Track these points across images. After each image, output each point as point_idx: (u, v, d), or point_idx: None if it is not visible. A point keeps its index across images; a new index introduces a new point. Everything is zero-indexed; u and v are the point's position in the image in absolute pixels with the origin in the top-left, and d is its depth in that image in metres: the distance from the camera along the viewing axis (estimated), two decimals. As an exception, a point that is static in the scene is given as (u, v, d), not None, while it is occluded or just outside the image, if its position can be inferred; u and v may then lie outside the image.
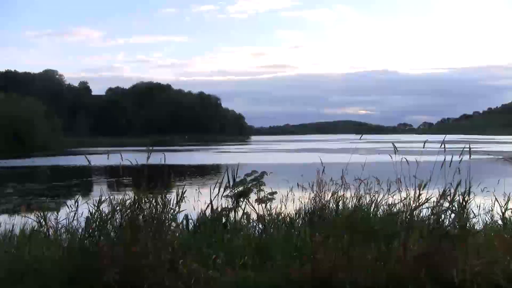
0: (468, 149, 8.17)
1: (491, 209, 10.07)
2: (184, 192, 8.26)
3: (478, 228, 9.22)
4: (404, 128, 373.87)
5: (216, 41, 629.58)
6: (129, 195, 7.84)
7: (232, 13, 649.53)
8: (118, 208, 7.70)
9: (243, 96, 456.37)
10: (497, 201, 9.91)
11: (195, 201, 9.60)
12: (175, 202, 7.97)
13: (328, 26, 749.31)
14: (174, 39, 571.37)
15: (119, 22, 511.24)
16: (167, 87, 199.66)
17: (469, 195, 8.04)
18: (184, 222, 9.11)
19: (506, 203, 9.84)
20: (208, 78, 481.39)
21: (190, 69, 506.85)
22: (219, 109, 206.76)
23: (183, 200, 8.28)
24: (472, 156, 8.33)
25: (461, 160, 8.06)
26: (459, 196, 7.98)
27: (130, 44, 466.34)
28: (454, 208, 7.95)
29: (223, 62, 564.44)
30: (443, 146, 8.39)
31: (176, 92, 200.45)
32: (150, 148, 8.14)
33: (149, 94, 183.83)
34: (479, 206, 9.29)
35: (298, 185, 10.80)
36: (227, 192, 9.65)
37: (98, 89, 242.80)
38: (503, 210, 9.80)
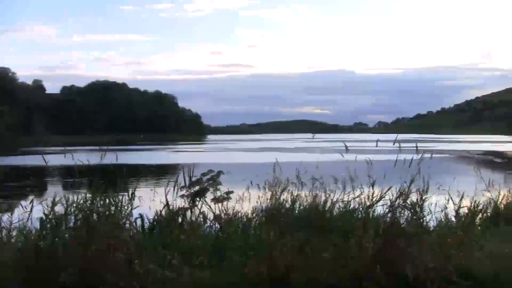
0: (422, 148, 8.33)
1: (445, 206, 10.24)
2: (140, 191, 8.20)
3: (432, 225, 9.38)
4: (359, 128, 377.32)
5: (174, 40, 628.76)
6: (84, 195, 7.75)
7: (190, 11, 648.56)
8: (73, 208, 7.60)
9: (200, 95, 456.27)
10: (451, 198, 10.10)
11: (150, 201, 9.54)
12: (130, 201, 7.91)
13: (286, 25, 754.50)
14: (131, 37, 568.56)
15: (75, 19, 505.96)
16: (123, 86, 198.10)
17: (423, 193, 8.19)
18: (140, 222, 9.05)
19: (460, 201, 10.05)
20: (165, 77, 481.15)
21: (147, 67, 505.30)
22: (176, 108, 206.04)
23: (139, 200, 8.23)
24: (425, 155, 8.48)
25: (416, 159, 8.20)
26: (413, 194, 8.13)
27: (85, 42, 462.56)
28: (409, 206, 8.09)
29: (180, 61, 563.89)
30: (396, 145, 8.54)
31: (132, 91, 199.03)
32: (105, 148, 8.07)
33: (105, 92, 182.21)
34: (434, 204, 9.45)
35: (252, 183, 10.82)
36: (183, 191, 9.61)
37: (53, 88, 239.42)
38: (456, 208, 10.00)
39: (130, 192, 8.07)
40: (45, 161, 8.88)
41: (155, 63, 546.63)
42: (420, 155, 8.35)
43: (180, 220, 9.31)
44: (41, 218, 7.81)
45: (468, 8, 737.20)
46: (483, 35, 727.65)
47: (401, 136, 9.01)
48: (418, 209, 8.13)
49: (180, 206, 9.46)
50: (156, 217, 9.35)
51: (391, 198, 8.29)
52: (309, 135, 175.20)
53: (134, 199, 8.07)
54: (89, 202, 7.58)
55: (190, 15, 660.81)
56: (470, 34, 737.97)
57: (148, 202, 9.39)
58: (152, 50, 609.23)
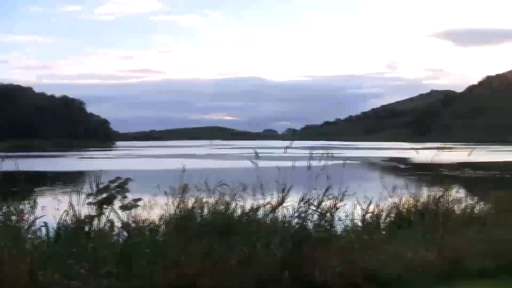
0: (329, 155, 8.51)
1: (352, 212, 10.49)
2: (44, 199, 7.98)
3: (339, 230, 9.58)
4: (269, 134, 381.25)
5: (83, 43, 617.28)
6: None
7: (100, 14, 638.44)
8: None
9: (109, 100, 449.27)
10: (358, 204, 10.37)
11: (55, 209, 9.28)
12: (33, 210, 7.68)
13: (198, 31, 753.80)
14: (37, 39, 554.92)
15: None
16: (28, 90, 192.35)
17: (332, 199, 8.37)
18: (44, 231, 8.78)
19: (367, 207, 10.34)
20: (73, 81, 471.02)
21: (54, 71, 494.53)
22: (84, 113, 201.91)
23: (43, 208, 8.00)
24: (333, 162, 8.67)
25: (323, 165, 8.35)
26: (321, 200, 8.28)
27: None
28: (317, 212, 8.23)
29: (89, 65, 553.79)
30: (306, 152, 8.69)
31: (38, 95, 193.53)
32: (4, 154, 7.81)
33: (9, 96, 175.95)
34: (341, 210, 9.67)
35: (159, 189, 10.71)
36: (90, 199, 9.42)
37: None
38: (363, 213, 10.29)
39: (32, 200, 7.83)
40: None
41: (63, 67, 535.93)
42: (323, 162, 8.53)
43: (87, 228, 9.12)
44: None
45: (375, 19, 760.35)
46: (388, 45, 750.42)
47: (311, 143, 9.19)
48: (326, 214, 8.29)
49: (87, 214, 9.26)
50: (61, 226, 9.12)
51: (299, 203, 8.40)
52: (219, 142, 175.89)
53: (36, 208, 7.84)
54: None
55: (100, 18, 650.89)
56: (377, 44, 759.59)
57: (53, 210, 9.13)
58: (60, 54, 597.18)
